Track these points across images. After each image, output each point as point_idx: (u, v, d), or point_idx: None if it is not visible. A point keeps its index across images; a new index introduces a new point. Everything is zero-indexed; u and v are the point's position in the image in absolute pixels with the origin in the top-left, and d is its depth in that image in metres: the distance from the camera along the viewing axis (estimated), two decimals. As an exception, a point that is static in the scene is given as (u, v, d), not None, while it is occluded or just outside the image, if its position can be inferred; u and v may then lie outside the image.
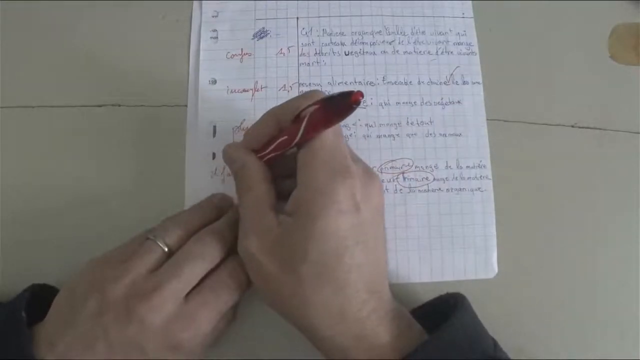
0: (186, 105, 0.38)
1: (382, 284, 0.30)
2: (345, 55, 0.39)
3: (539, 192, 0.37)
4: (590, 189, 0.38)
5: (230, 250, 0.31)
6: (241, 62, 0.39)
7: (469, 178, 0.37)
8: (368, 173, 0.30)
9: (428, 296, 0.33)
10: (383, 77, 0.39)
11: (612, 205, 0.37)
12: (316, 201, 0.28)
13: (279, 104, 0.31)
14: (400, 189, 0.37)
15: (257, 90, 0.38)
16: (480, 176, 0.37)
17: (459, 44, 0.40)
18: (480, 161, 0.37)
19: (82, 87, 0.38)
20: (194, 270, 0.29)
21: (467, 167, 0.37)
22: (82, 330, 0.27)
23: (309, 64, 0.39)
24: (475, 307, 0.31)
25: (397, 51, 0.39)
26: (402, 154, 0.37)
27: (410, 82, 0.39)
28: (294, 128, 0.29)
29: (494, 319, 0.31)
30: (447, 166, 0.37)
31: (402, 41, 0.39)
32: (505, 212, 0.37)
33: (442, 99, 0.38)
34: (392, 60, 0.39)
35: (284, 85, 0.38)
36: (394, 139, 0.38)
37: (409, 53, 0.39)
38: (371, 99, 0.38)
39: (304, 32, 0.39)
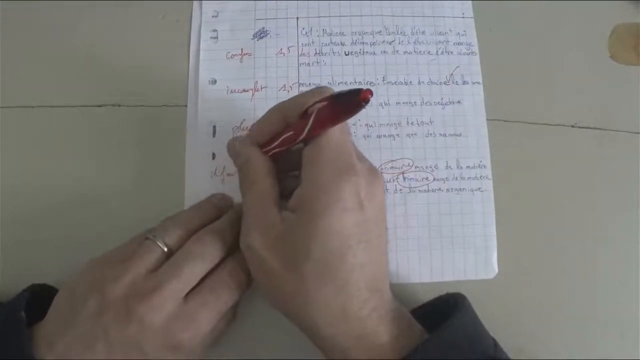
0: (186, 105, 0.38)
1: (383, 282, 0.30)
2: (345, 55, 0.39)
3: (539, 192, 0.37)
4: (590, 189, 0.38)
5: (230, 250, 0.31)
6: (241, 62, 0.39)
7: (469, 178, 0.37)
8: (372, 172, 0.30)
9: (428, 296, 0.33)
10: (383, 77, 0.39)
11: (612, 205, 0.37)
12: (320, 199, 0.28)
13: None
14: (401, 189, 0.37)
15: (257, 90, 0.38)
16: (480, 176, 0.37)
17: (459, 44, 0.40)
18: (480, 161, 0.37)
19: (82, 87, 0.38)
20: (193, 270, 0.29)
21: (467, 167, 0.37)
22: (81, 330, 0.27)
23: (309, 64, 0.39)
24: (475, 307, 0.31)
25: (397, 51, 0.39)
26: (402, 154, 0.37)
27: (410, 82, 0.39)
28: (301, 124, 0.29)
29: (494, 319, 0.31)
30: (447, 166, 0.37)
31: (402, 41, 0.39)
32: (505, 212, 0.37)
33: (442, 99, 0.38)
34: (392, 60, 0.39)
35: (284, 85, 0.38)
36: (394, 139, 0.38)
37: (409, 53, 0.39)
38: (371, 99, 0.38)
39: (304, 32, 0.39)
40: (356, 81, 0.38)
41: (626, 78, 0.40)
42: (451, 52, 0.39)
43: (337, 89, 0.38)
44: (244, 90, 0.38)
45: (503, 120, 0.38)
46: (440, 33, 0.40)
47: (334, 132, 0.29)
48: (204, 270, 0.30)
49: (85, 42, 0.39)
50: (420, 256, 0.36)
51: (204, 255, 0.30)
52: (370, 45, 0.39)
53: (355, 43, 0.39)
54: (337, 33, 0.39)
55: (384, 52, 0.39)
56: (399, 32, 0.40)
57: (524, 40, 0.40)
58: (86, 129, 0.37)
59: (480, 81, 0.39)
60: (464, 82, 0.39)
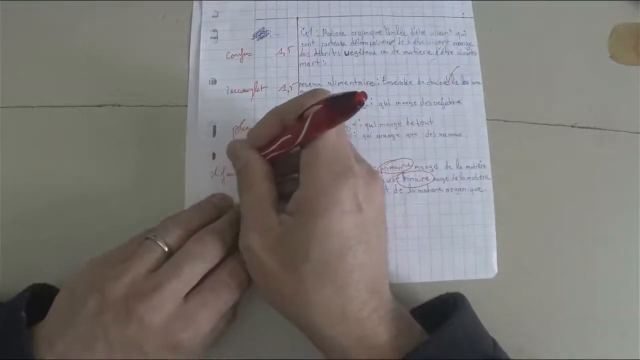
0: (186, 105, 0.38)
1: (382, 283, 0.30)
2: (345, 55, 0.39)
3: (539, 192, 0.37)
4: (590, 189, 0.38)
5: (230, 250, 0.31)
6: (241, 62, 0.39)
7: (468, 178, 0.37)
8: (371, 173, 0.30)
9: (428, 296, 0.33)
10: (383, 77, 0.39)
11: (612, 205, 0.37)
12: (319, 201, 0.28)
13: (279, 103, 0.31)
14: (400, 189, 0.37)
15: (257, 90, 0.38)
16: (480, 176, 0.37)
17: (459, 44, 0.40)
18: (480, 161, 0.37)
19: (82, 87, 0.38)
20: (193, 270, 0.29)
21: (467, 167, 0.37)
22: (82, 330, 0.27)
23: (309, 64, 0.39)
24: (475, 307, 0.31)
25: (397, 51, 0.39)
26: (402, 154, 0.37)
27: (410, 82, 0.39)
28: (298, 127, 0.29)
29: (494, 319, 0.31)
30: (447, 166, 0.37)
31: (402, 41, 0.39)
32: (505, 212, 0.37)
33: (442, 98, 0.38)
34: (392, 60, 0.39)
35: (284, 85, 0.38)
36: (394, 139, 0.38)
37: (409, 53, 0.39)
38: (371, 99, 0.38)
39: (304, 32, 0.39)
40: (356, 81, 0.38)
41: (626, 78, 0.40)
42: (451, 52, 0.39)
43: (337, 88, 0.38)
44: (244, 90, 0.38)
45: (503, 120, 0.38)
46: (440, 33, 0.40)
47: (331, 135, 0.29)
48: (204, 270, 0.30)
49: (85, 42, 0.39)
50: (420, 256, 0.36)
51: (204, 255, 0.30)
52: (370, 45, 0.39)
53: (355, 43, 0.39)
54: (337, 33, 0.39)
55: (384, 52, 0.39)
56: (399, 32, 0.40)
57: (524, 40, 0.40)
58: (86, 129, 0.37)
59: (480, 81, 0.39)
60: (464, 82, 0.39)
